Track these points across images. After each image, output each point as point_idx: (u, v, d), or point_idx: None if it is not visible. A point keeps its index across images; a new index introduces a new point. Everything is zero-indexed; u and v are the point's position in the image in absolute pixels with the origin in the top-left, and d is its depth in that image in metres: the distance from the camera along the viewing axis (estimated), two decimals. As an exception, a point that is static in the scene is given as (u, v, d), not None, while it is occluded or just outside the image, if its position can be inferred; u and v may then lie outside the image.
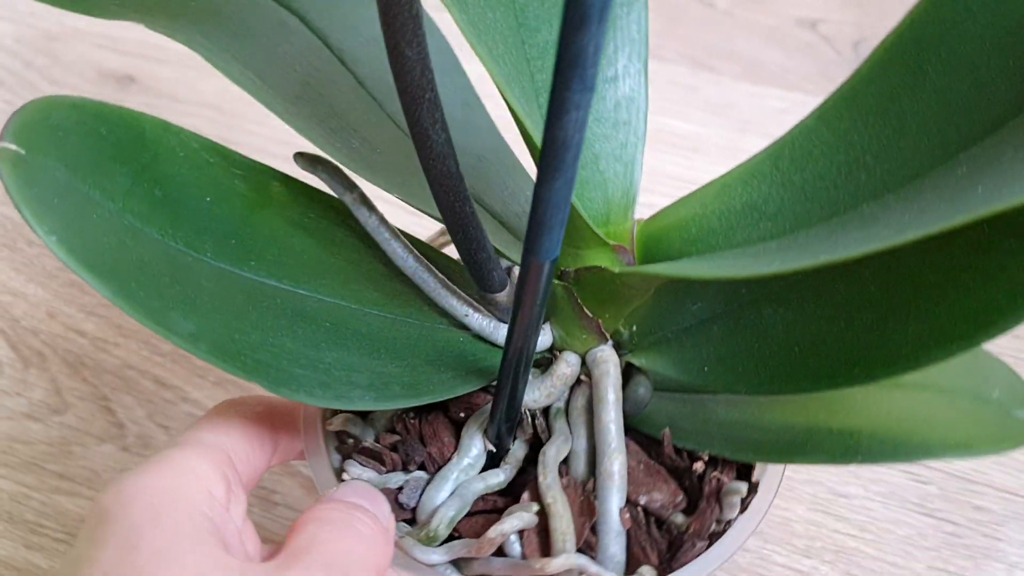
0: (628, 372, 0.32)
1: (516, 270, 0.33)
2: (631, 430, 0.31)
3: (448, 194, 0.24)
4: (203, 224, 0.27)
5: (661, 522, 0.30)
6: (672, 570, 0.28)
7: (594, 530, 0.28)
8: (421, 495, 0.30)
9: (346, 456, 0.31)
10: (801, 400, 0.29)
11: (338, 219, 0.31)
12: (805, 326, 0.28)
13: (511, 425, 0.30)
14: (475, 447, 0.30)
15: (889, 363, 0.24)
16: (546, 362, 0.31)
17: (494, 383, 0.29)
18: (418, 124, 0.22)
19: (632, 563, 0.28)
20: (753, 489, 0.30)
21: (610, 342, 0.31)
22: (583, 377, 0.31)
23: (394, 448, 0.31)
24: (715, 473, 0.29)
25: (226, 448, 0.27)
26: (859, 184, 0.25)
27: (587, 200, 0.30)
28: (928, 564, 0.42)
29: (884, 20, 0.73)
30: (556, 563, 0.26)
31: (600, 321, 0.30)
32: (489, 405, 0.30)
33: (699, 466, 0.30)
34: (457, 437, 0.31)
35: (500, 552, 0.28)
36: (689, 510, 0.30)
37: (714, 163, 0.61)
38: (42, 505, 0.43)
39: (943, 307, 0.23)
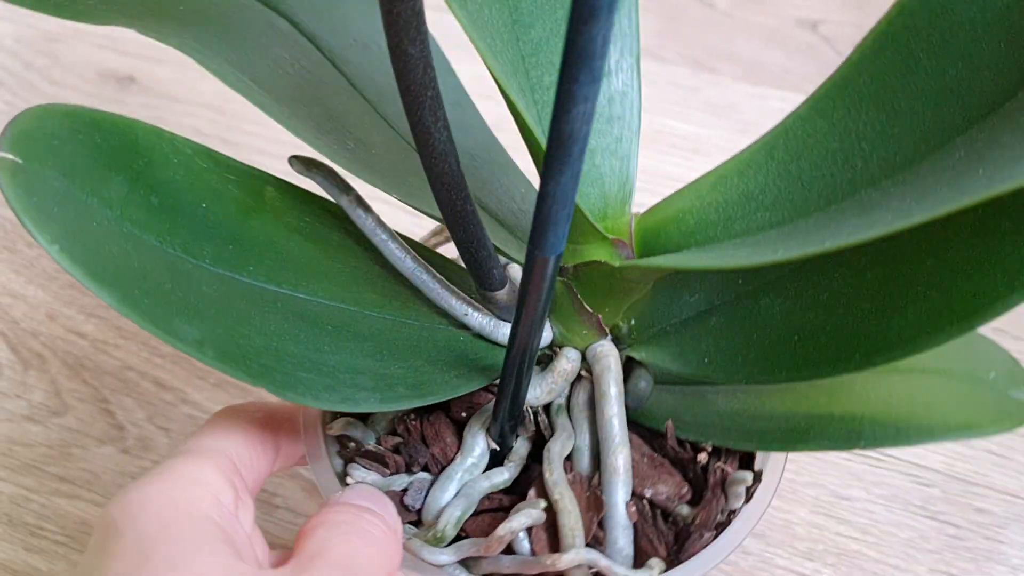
0: (628, 366, 0.32)
1: (513, 267, 0.33)
2: (633, 424, 0.31)
3: (449, 192, 0.24)
4: (200, 230, 0.26)
5: (667, 514, 0.30)
6: (680, 561, 0.28)
7: (601, 524, 0.28)
8: (426, 496, 0.30)
9: (348, 460, 0.31)
10: (802, 388, 0.29)
11: (334, 222, 0.31)
12: (803, 314, 0.28)
13: (514, 423, 0.30)
14: (478, 446, 0.30)
15: (888, 348, 0.25)
16: (546, 359, 0.31)
17: (496, 381, 0.29)
18: (420, 122, 0.22)
19: (640, 556, 0.28)
20: (757, 478, 0.30)
21: (610, 337, 0.31)
22: (584, 373, 0.31)
23: (396, 450, 0.31)
24: (719, 463, 0.30)
25: (230, 455, 0.26)
26: (855, 171, 0.25)
27: (584, 195, 0.30)
28: (930, 567, 0.41)
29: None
30: (567, 558, 0.26)
31: (600, 316, 0.30)
32: (491, 404, 0.30)
33: (703, 457, 0.30)
34: (459, 437, 0.31)
35: (508, 550, 0.28)
36: (694, 501, 0.30)
37: (715, 164, 0.61)
38: (42, 507, 0.43)
39: (941, 291, 0.24)
